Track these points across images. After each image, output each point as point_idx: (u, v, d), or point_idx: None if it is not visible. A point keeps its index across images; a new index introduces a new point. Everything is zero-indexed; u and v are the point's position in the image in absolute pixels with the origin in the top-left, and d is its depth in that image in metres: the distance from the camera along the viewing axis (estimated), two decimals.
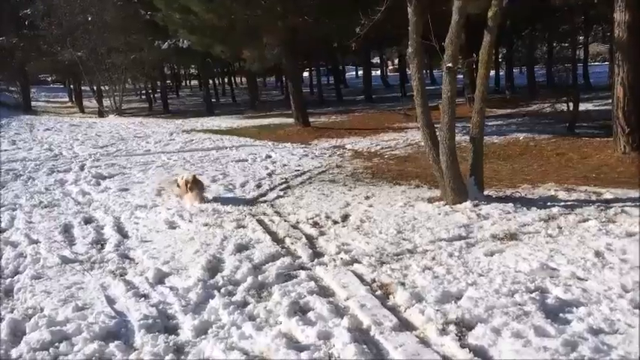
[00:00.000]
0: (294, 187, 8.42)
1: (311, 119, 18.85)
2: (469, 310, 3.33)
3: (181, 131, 18.30)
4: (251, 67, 23.81)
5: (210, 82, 38.75)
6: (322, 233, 5.41)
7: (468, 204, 6.06)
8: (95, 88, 31.68)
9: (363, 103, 30.36)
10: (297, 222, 5.96)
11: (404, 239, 5.04)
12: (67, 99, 45.09)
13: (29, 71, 33.80)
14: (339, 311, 3.50)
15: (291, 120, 20.43)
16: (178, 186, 7.24)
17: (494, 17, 6.03)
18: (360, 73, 63.86)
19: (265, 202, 7.28)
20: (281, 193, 7.92)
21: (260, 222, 5.96)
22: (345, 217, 6.04)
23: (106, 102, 30.87)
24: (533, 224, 5.29)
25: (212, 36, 16.54)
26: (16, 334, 3.37)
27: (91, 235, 5.65)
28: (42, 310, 3.70)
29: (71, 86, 41.60)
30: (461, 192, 6.20)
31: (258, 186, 8.50)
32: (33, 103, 36.95)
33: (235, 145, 13.86)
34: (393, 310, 3.50)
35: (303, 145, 13.94)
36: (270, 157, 11.63)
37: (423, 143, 6.46)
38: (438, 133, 6.44)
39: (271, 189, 8.30)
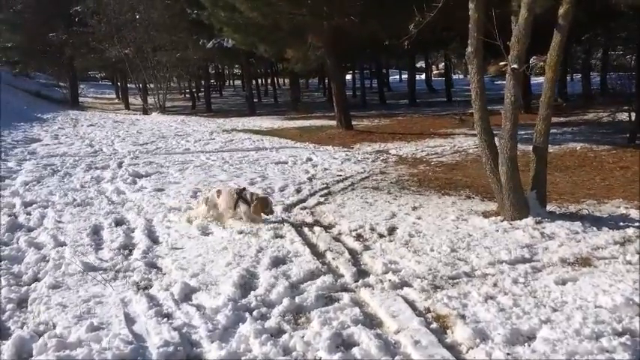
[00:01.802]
0: (335, 193, 7.95)
1: (353, 122, 18.33)
2: (546, 355, 2.79)
3: (222, 130, 18.07)
4: (294, 67, 23.53)
5: (253, 82, 38.69)
6: (367, 248, 4.91)
7: (529, 221, 5.45)
8: (140, 85, 31.98)
9: (406, 107, 29.64)
10: (340, 233, 5.48)
11: (459, 259, 4.49)
12: (114, 96, 45.89)
13: (78, 67, 34.36)
14: (389, 348, 2.99)
15: (333, 122, 19.96)
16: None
17: (566, 15, 5.42)
18: (404, 77, 63.14)
19: (305, 208, 6.82)
20: (321, 200, 7.46)
21: (299, 232, 5.51)
22: (392, 230, 5.53)
23: (151, 99, 31.12)
24: (608, 248, 4.66)
25: (256, 35, 16.25)
26: (22, 355, 3.00)
27: (120, 239, 5.30)
28: (54, 326, 3.33)
29: (118, 83, 42.28)
30: (521, 207, 5.59)
31: (298, 191, 8.07)
32: (81, 99, 37.70)
33: (275, 146, 13.49)
34: (454, 349, 2.98)
35: (345, 149, 13.45)
36: (310, 160, 11.19)
37: (479, 151, 5.89)
38: (497, 142, 5.85)
39: (311, 194, 7.85)
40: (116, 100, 42.17)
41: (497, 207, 6.11)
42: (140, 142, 14.20)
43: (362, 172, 9.76)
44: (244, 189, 6.30)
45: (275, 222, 6.00)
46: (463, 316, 3.30)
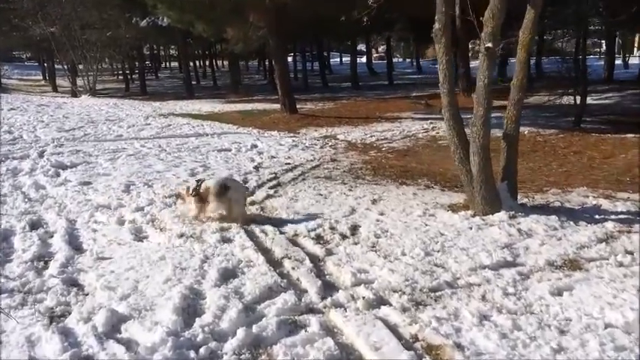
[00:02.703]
0: (285, 184, 7.28)
1: (297, 106, 17.64)
2: None
3: (158, 115, 16.92)
4: (234, 48, 22.47)
5: (191, 64, 37.13)
6: (330, 252, 4.27)
7: (502, 215, 4.98)
8: (68, 66, 29.91)
9: (349, 91, 29.23)
10: (296, 234, 4.81)
11: (436, 265, 3.94)
12: (40, 77, 43.02)
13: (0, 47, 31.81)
14: None
15: (275, 106, 19.20)
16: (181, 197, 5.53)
17: None
18: (345, 59, 62.74)
19: (254, 203, 6.11)
20: (271, 192, 6.78)
21: (249, 233, 4.80)
22: (355, 229, 4.92)
23: (80, 81, 29.18)
24: (593, 247, 4.24)
25: (193, 12, 15.19)
26: None
27: (34, 248, 4.43)
28: None
29: (45, 64, 39.60)
30: (493, 200, 5.11)
31: (244, 182, 7.33)
32: (4, 81, 35.08)
33: (217, 132, 12.61)
34: None
35: (291, 134, 12.78)
36: (255, 146, 10.45)
37: (447, 139, 5.36)
38: (467, 129, 5.33)
39: (259, 186, 7.16)
40: (43, 82, 39.52)
41: (464, 200, 5.63)
42: (66, 128, 12.93)
43: (311, 160, 9.13)
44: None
45: (221, 221, 5.29)
46: (460, 346, 2.72)
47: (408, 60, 62.81)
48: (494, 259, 3.94)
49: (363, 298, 3.33)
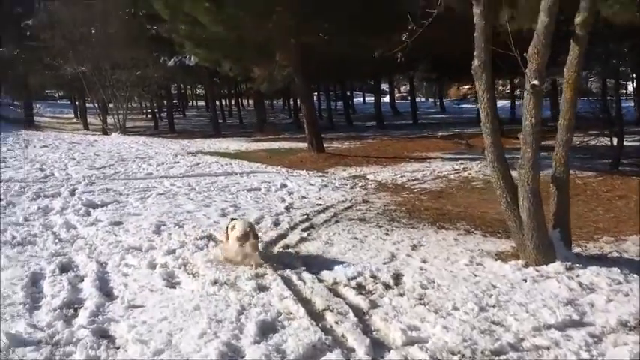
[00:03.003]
0: (318, 226, 7.04)
1: (324, 145, 17.55)
2: None
3: (187, 153, 16.97)
4: (260, 87, 22.70)
5: (217, 102, 37.62)
6: (374, 304, 3.98)
7: (557, 266, 4.64)
8: (99, 104, 30.50)
9: (374, 130, 29.25)
10: (336, 282, 4.54)
11: (494, 322, 3.62)
12: (72, 115, 43.97)
13: (32, 85, 32.59)
14: None
15: (301, 145, 19.16)
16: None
17: (584, 24, 4.71)
18: (368, 99, 63.14)
19: (288, 247, 5.87)
20: (304, 235, 6.53)
21: (286, 281, 4.54)
22: (398, 278, 4.62)
23: (111, 120, 29.67)
24: None
25: (220, 50, 15.34)
26: None
27: (64, 293, 4.23)
28: None
29: (76, 102, 40.50)
30: (547, 249, 4.79)
31: (276, 223, 7.12)
32: (37, 119, 35.84)
33: (246, 171, 12.50)
34: None
35: (319, 174, 12.59)
36: (285, 186, 10.27)
37: (493, 183, 5.08)
38: (516, 172, 5.05)
39: (292, 228, 6.93)
40: (74, 120, 40.34)
41: (512, 247, 5.31)
42: (97, 166, 12.97)
43: (343, 201, 8.89)
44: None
45: (255, 263, 5.06)
46: None
47: (430, 99, 62.97)
48: (558, 318, 3.60)
49: None
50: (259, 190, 9.82)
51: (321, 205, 8.51)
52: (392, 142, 21.90)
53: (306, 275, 4.71)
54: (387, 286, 4.40)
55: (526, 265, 4.79)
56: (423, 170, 13.11)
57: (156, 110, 37.21)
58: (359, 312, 3.83)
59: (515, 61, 4.64)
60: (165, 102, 34.85)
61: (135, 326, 3.55)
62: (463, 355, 3.13)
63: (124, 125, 28.76)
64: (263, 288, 4.36)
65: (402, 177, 12.08)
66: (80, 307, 3.98)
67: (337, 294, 4.21)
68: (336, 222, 7.32)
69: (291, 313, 3.78)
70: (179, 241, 5.95)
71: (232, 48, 14.85)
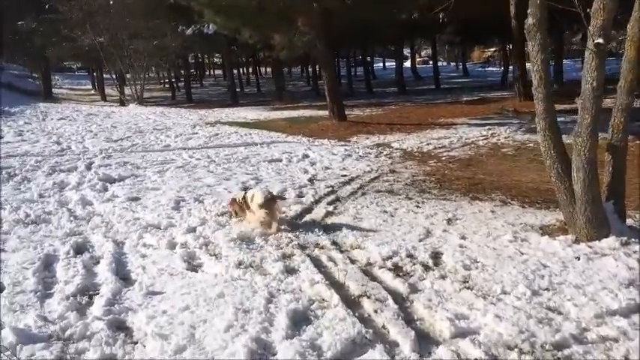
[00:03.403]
0: (344, 199, 6.67)
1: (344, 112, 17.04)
2: None
3: (205, 123, 16.61)
4: (279, 54, 22.11)
5: (235, 71, 37.09)
6: (414, 289, 3.61)
7: (612, 241, 4.22)
8: (116, 75, 30.23)
9: (395, 96, 28.55)
10: (369, 263, 4.18)
11: (550, 309, 3.23)
12: (90, 87, 43.89)
13: (51, 57, 32.38)
14: None
15: (322, 112, 18.67)
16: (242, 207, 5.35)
17: None
18: (388, 64, 61.88)
19: (314, 223, 5.52)
20: (330, 209, 6.18)
21: (316, 261, 4.20)
22: (437, 257, 4.25)
23: (128, 90, 29.43)
24: None
25: (240, 18, 14.77)
26: None
27: (78, 279, 3.94)
28: None
29: (94, 74, 40.31)
30: (601, 223, 4.35)
31: (300, 196, 6.78)
32: (55, 90, 35.81)
33: (266, 141, 12.11)
34: None
35: (342, 143, 12.16)
36: (307, 156, 9.88)
37: (542, 152, 4.63)
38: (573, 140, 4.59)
39: (316, 201, 6.57)
40: (92, 92, 40.27)
41: (557, 220, 4.89)
42: (114, 138, 12.70)
43: (369, 172, 8.49)
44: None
45: (280, 242, 4.73)
46: None
47: (452, 64, 61.54)
48: (622, 302, 3.21)
49: None
50: (281, 160, 9.46)
51: (345, 176, 8.13)
52: (415, 108, 21.29)
53: (336, 255, 4.36)
54: (426, 267, 4.03)
55: (577, 241, 4.37)
56: (450, 137, 12.58)
57: (173, 80, 36.86)
58: (398, 298, 3.47)
59: (574, 18, 4.12)
60: (182, 72, 34.44)
61: (154, 317, 3.24)
62: (521, 350, 2.76)
63: (142, 96, 28.50)
64: (291, 271, 4.02)
65: (428, 144, 11.59)
66: (95, 295, 3.69)
67: (373, 277, 3.85)
68: (363, 194, 6.94)
69: (324, 300, 3.44)
70: (199, 218, 5.64)
71: (252, 15, 14.27)
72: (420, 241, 4.70)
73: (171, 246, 4.74)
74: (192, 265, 4.24)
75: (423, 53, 68.09)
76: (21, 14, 29.15)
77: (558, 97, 16.39)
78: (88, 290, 3.78)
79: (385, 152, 10.63)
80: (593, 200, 4.30)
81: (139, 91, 28.38)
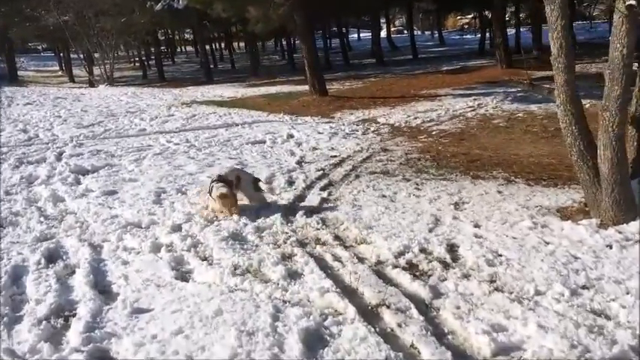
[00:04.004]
0: (337, 183, 6.26)
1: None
2: None
3: (181, 104, 15.89)
4: (254, 28, 21.29)
5: (207, 47, 35.99)
6: (437, 293, 3.19)
7: None
8: (84, 55, 29.01)
9: (373, 67, 28.02)
10: (380, 261, 3.75)
11: (595, 312, 2.85)
12: (57, 68, 42.28)
13: (13, 38, 30.93)
14: None
15: (300, 87, 18.09)
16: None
17: None
18: (362, 35, 60.88)
19: (310, 212, 5.07)
20: (324, 195, 5.76)
21: (320, 263, 3.75)
22: (453, 251, 3.84)
23: (97, 70, 28.31)
24: None
25: None
26: None
27: (51, 296, 3.43)
28: None
29: (61, 54, 38.79)
30: (628, 205, 3.98)
31: (290, 182, 6.32)
32: (21, 73, 34.36)
33: (247, 121, 11.54)
34: None
35: (326, 120, 11.68)
36: (292, 136, 9.40)
37: (562, 127, 4.22)
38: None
39: (308, 187, 6.14)
40: (60, 73, 38.76)
41: (575, 201, 4.52)
42: (85, 124, 11.96)
43: (359, 151, 8.07)
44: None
45: (277, 238, 4.28)
46: None
47: (427, 32, 60.86)
48: None
49: None
50: (264, 142, 8.95)
51: (335, 156, 7.70)
52: (395, 79, 20.82)
53: (341, 253, 3.92)
54: (445, 264, 3.61)
55: (602, 225, 4.01)
56: (436, 109, 12.19)
57: (144, 58, 35.65)
58: (421, 305, 3.04)
59: None
60: (152, 49, 33.30)
61: (142, 344, 2.76)
62: None
63: (112, 76, 27.45)
64: (295, 275, 3.56)
65: (415, 118, 11.18)
66: (72, 316, 3.19)
67: (387, 279, 3.42)
68: (357, 177, 6.52)
69: (338, 312, 3.00)
70: (184, 213, 5.13)
71: None
72: (431, 231, 4.28)
73: (156, 248, 4.25)
74: (182, 272, 3.76)
75: (397, 22, 67.28)
76: None
77: (538, 63, 15.96)
78: (63, 310, 3.28)
79: (372, 128, 10.19)
80: (621, 180, 3.92)
81: (108, 70, 27.32)
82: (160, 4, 23.69)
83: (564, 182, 5.74)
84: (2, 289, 3.55)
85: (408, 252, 3.83)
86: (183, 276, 3.69)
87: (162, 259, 3.99)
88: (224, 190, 4.92)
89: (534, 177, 6.12)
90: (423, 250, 3.86)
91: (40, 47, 56.21)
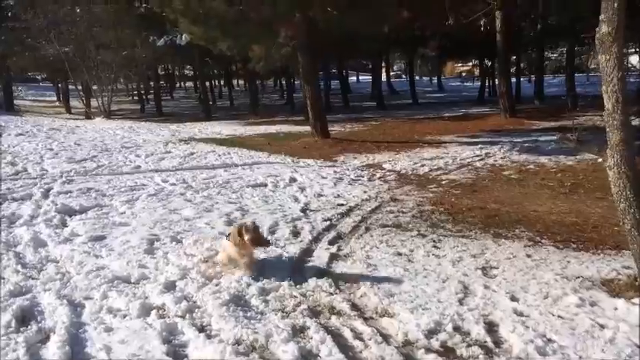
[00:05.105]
0: (347, 236, 5.74)
1: None
2: None
3: (178, 140, 15.46)
4: (256, 66, 21.16)
5: (207, 84, 35.95)
6: None
7: None
8: (82, 86, 28.73)
9: (374, 111, 28.04)
10: (409, 342, 3.20)
11: None
12: (55, 98, 42.05)
13: (12, 67, 30.68)
14: None
15: (300, 128, 17.81)
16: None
17: None
18: (361, 78, 61.43)
19: (320, 272, 4.52)
20: (334, 250, 5.23)
21: (339, 341, 3.19)
22: (492, 331, 3.29)
23: (95, 102, 27.99)
24: None
25: (218, 27, 13.73)
26: None
27: None
28: None
29: (59, 85, 38.58)
30: None
31: (295, 233, 5.80)
32: (17, 102, 33.96)
33: (247, 162, 11.07)
34: None
35: (329, 163, 11.23)
36: (295, 180, 8.91)
37: (615, 195, 3.75)
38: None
39: (315, 239, 5.62)
40: (57, 104, 38.51)
41: (618, 272, 4.01)
42: (77, 158, 11.43)
43: (367, 199, 7.57)
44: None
45: (285, 304, 3.73)
46: None
47: (425, 78, 61.49)
48: None
49: None
50: (266, 185, 8.46)
51: (342, 205, 7.19)
52: (397, 123, 20.60)
53: (362, 327, 3.37)
54: (487, 350, 3.06)
55: None
56: (443, 157, 11.80)
57: (142, 92, 35.48)
58: None
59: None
60: (152, 83, 33.16)
61: None
62: None
63: (109, 109, 27.12)
64: (309, 356, 3.00)
65: (422, 165, 10.74)
66: None
67: None
68: (367, 229, 6.01)
69: None
70: (179, 267, 4.58)
71: (233, 24, 13.26)
72: (462, 303, 3.74)
73: (145, 312, 3.67)
74: (175, 346, 3.18)
75: (395, 67, 68.07)
76: None
77: (541, 113, 15.56)
78: None
79: (378, 175, 9.73)
80: None
81: (106, 103, 26.99)
82: (162, 39, 23.57)
83: (596, 247, 5.25)
84: None
85: (440, 330, 3.28)
86: (177, 352, 3.11)
87: (152, 326, 3.42)
88: (251, 225, 4.47)
89: (562, 239, 5.62)
90: (457, 329, 3.31)
91: (39, 77, 56.19)
